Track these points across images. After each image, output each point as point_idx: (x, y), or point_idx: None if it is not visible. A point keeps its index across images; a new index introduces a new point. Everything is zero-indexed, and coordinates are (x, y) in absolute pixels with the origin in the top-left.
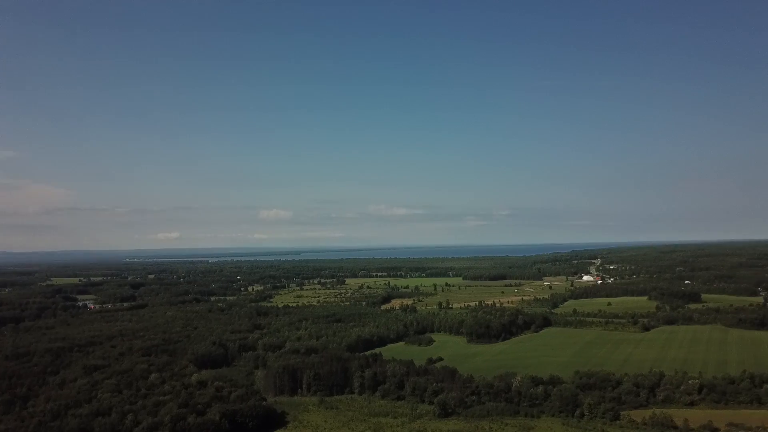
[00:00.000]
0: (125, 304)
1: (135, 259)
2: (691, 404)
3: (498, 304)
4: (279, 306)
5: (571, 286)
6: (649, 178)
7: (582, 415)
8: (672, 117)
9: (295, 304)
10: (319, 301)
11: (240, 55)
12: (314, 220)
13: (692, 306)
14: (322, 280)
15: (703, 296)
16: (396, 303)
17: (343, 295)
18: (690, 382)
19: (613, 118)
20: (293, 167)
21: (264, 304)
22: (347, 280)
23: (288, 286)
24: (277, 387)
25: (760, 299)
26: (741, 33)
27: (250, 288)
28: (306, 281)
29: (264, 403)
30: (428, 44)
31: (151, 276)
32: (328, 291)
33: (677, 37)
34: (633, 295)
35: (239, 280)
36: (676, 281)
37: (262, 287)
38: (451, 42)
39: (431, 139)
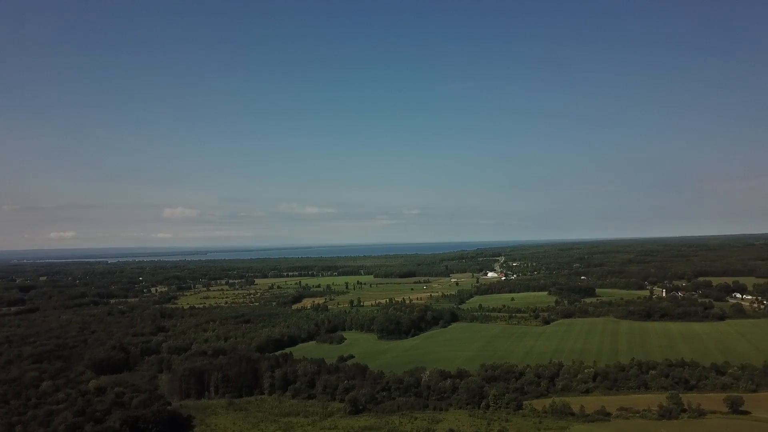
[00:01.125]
0: (13, 309)
1: (25, 260)
2: (587, 391)
3: (408, 301)
4: (184, 307)
5: (477, 282)
6: (548, 180)
7: (488, 406)
8: (567, 126)
9: (201, 306)
10: (227, 302)
11: (143, 48)
12: (222, 219)
13: (587, 300)
14: (230, 281)
15: (597, 290)
16: (307, 302)
17: (252, 296)
18: (586, 371)
19: (514, 125)
20: (199, 164)
21: (168, 305)
22: (257, 281)
23: (194, 287)
24: (182, 390)
25: (646, 292)
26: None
27: (153, 289)
28: (213, 282)
29: (168, 407)
30: (341, 48)
31: (43, 278)
32: (236, 292)
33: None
34: (534, 291)
35: (141, 281)
36: (573, 277)
37: (166, 288)
38: (361, 45)
39: (342, 138)
